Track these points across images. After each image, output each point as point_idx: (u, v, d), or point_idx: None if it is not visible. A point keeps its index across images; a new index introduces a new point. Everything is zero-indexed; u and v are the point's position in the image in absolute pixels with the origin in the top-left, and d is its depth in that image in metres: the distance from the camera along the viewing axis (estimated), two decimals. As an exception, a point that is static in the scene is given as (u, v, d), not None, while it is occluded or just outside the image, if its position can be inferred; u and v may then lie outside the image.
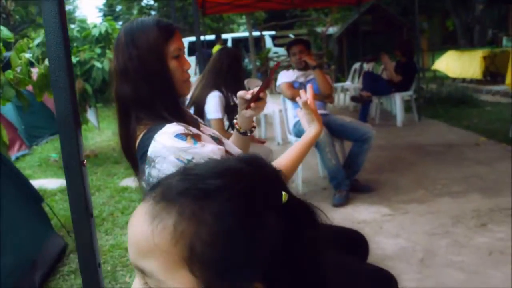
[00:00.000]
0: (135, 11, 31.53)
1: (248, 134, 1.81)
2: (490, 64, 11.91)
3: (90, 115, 7.17)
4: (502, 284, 2.68)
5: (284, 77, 4.69)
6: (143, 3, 31.86)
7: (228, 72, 3.45)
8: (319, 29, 17.80)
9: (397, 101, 7.77)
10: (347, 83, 10.56)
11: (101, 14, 42.79)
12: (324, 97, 4.53)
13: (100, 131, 8.93)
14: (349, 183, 4.34)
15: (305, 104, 1.65)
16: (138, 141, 1.57)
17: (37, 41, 6.41)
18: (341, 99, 10.46)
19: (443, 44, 20.91)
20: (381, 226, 3.67)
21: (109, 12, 41.59)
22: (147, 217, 0.65)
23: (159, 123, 1.51)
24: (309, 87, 1.71)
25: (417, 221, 3.71)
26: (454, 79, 13.45)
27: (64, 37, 1.59)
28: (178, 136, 1.44)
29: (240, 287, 0.64)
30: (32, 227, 3.52)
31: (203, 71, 3.84)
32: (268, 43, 17.77)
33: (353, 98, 8.53)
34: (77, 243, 1.78)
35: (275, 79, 5.04)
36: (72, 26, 7.10)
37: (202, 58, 6.71)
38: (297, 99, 1.69)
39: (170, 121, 1.51)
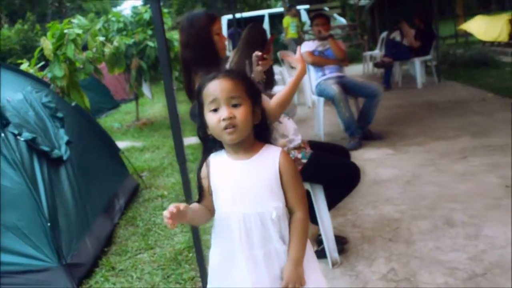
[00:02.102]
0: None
1: (261, 83, 2.80)
2: (516, 27, 12.38)
3: (145, 89, 8.28)
4: (465, 195, 3.59)
5: (306, 46, 5.64)
6: (182, -17, 32.43)
7: (255, 46, 4.37)
8: (352, 1, 18.41)
9: (416, 65, 8.57)
10: (376, 52, 11.33)
11: (142, -5, 44.08)
12: (339, 61, 5.48)
13: (154, 103, 10.10)
14: (362, 132, 5.30)
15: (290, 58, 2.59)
16: (196, 85, 2.59)
17: (98, 26, 7.51)
18: (370, 67, 11.24)
19: (481, 8, 21.12)
20: (383, 162, 4.63)
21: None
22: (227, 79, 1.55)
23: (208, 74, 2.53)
24: (298, 48, 2.63)
25: (412, 157, 4.64)
26: (484, 42, 13.96)
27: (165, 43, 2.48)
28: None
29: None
30: (114, 168, 4.65)
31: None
32: (304, 16, 18.47)
33: (376, 64, 9.40)
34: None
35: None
36: (127, 12, 8.19)
37: (238, 34, 7.68)
38: (289, 58, 2.64)
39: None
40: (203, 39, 2.55)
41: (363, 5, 17.89)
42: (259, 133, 1.64)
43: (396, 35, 10.39)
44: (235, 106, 1.54)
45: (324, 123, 5.84)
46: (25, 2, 25.75)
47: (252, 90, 1.61)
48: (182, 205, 1.54)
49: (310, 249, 1.72)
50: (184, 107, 10.27)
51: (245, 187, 1.59)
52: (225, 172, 1.63)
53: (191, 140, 6.48)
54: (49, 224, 3.01)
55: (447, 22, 17.59)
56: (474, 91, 7.64)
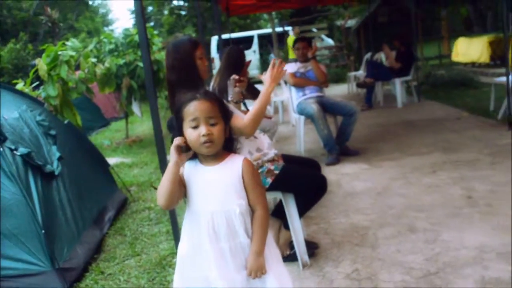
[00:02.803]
0: (165, 11, 32.78)
1: (238, 102, 3.10)
2: (497, 49, 12.86)
3: (135, 107, 8.56)
4: (429, 205, 3.88)
5: (289, 68, 5.96)
6: (173, 4, 32.87)
7: (233, 69, 4.58)
8: (339, 23, 18.90)
9: (397, 85, 8.93)
10: (359, 72, 11.72)
11: (133, 16, 44.58)
12: (320, 82, 5.81)
13: (143, 121, 10.38)
14: (339, 148, 5.60)
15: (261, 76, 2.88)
16: (176, 106, 2.88)
17: (90, 47, 7.81)
18: (354, 86, 11.60)
19: (464, 30, 21.71)
20: (358, 176, 4.92)
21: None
22: (206, 101, 1.85)
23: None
24: (277, 62, 2.89)
25: (386, 171, 4.94)
26: (465, 64, 14.43)
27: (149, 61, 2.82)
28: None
29: None
30: (104, 183, 4.91)
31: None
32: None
33: (358, 84, 9.77)
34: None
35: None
36: (118, 31, 8.51)
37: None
38: (261, 76, 2.91)
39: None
40: (186, 63, 2.84)
41: (349, 27, 18.37)
42: (226, 144, 1.93)
43: (380, 57, 10.82)
44: (212, 125, 1.84)
45: (304, 140, 6.15)
46: (18, 22, 26.10)
47: (224, 110, 1.92)
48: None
49: (272, 244, 1.99)
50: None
51: (214, 188, 1.88)
52: (197, 175, 1.91)
53: (178, 157, 6.75)
54: (43, 231, 3.26)
55: (432, 43, 18.12)
56: (451, 110, 7.99)
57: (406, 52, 9.12)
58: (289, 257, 3.16)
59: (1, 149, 3.45)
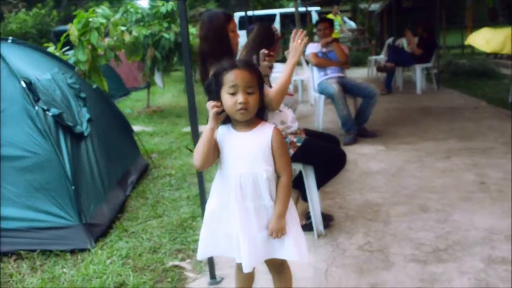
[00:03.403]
0: (188, -15, 32.65)
1: (267, 77, 3.23)
2: (521, 40, 12.74)
3: (157, 78, 8.70)
4: (442, 188, 4.01)
5: (311, 48, 6.07)
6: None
7: (262, 44, 4.72)
8: (362, 6, 18.81)
9: (417, 71, 8.98)
10: (380, 56, 11.74)
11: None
12: (341, 63, 5.90)
13: (164, 91, 10.54)
14: (358, 129, 5.72)
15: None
16: (210, 76, 3.01)
17: (118, 15, 7.93)
18: (374, 70, 11.63)
19: (489, 21, 21.44)
20: (374, 156, 5.05)
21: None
22: (247, 70, 1.99)
23: (221, 65, 2.95)
24: (299, 32, 3.01)
25: (401, 154, 5.06)
26: (488, 54, 14.34)
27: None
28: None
29: None
30: (127, 147, 5.09)
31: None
32: (314, 18, 18.87)
33: (378, 68, 9.82)
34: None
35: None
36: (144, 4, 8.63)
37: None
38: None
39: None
40: (220, 35, 2.97)
41: (373, 10, 18.28)
42: (258, 112, 2.07)
43: (402, 42, 10.82)
44: (249, 93, 1.97)
45: (323, 119, 6.28)
46: (42, -12, 26.22)
47: (260, 81, 2.05)
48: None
49: (293, 208, 2.14)
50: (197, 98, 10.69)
51: (244, 152, 2.02)
52: (229, 140, 2.05)
53: (200, 128, 6.91)
54: (73, 187, 3.45)
55: (455, 32, 17.98)
56: (469, 99, 8.05)
57: (429, 38, 9.13)
58: (305, 227, 3.30)
59: (36, 108, 3.61)
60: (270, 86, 3.54)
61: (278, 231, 2.02)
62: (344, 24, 18.46)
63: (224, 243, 2.09)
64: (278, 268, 2.23)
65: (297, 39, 2.95)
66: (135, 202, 4.23)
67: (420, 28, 9.18)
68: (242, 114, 1.97)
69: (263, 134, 2.04)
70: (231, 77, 1.97)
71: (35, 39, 17.16)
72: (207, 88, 2.08)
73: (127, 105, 10.06)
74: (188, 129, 7.10)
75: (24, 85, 3.68)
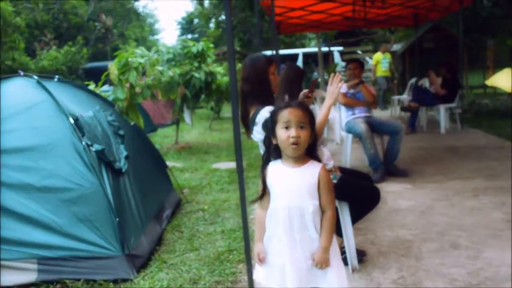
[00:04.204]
0: (212, 25, 33.41)
1: None
2: (544, 82, 12.82)
3: (186, 115, 8.96)
4: (471, 225, 4.09)
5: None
6: (220, 18, 33.41)
7: (292, 84, 4.89)
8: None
9: (441, 112, 9.10)
10: (403, 96, 11.89)
11: (179, 27, 45.57)
12: (368, 103, 6.08)
13: (193, 128, 10.79)
14: (388, 167, 5.85)
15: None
16: (250, 115, 3.19)
17: (151, 55, 8.24)
18: (397, 110, 11.78)
19: (510, 61, 21.54)
20: (402, 194, 5.15)
21: (186, 25, 44.26)
22: (300, 109, 2.21)
23: (262, 106, 3.13)
24: (336, 76, 3.18)
25: (428, 193, 5.15)
26: (510, 94, 14.40)
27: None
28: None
29: None
30: (162, 182, 5.27)
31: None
32: (336, 58, 19.19)
33: (402, 108, 9.97)
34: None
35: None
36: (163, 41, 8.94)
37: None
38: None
39: (267, 105, 3.12)
40: (261, 77, 3.16)
41: (394, 50, 18.53)
42: (309, 150, 2.24)
43: (425, 82, 10.97)
44: (301, 128, 2.16)
45: (350, 157, 6.41)
46: (72, 27, 27.18)
47: (311, 119, 2.24)
48: (263, 248, 2.26)
49: (335, 243, 2.28)
50: (218, 135, 10.89)
51: (293, 187, 2.20)
52: (280, 175, 2.24)
53: (228, 165, 7.11)
54: (117, 219, 3.62)
55: (477, 73, 18.13)
56: (493, 139, 8.12)
57: (452, 79, 9.29)
58: (339, 261, 3.42)
59: (83, 143, 3.83)
60: None
61: (323, 263, 2.17)
62: (366, 64, 18.72)
63: (269, 273, 2.26)
64: None
65: (334, 82, 3.12)
66: (171, 235, 4.38)
67: (443, 69, 9.36)
68: (294, 149, 2.16)
69: (311, 171, 2.21)
70: (285, 114, 2.18)
71: (65, 76, 17.74)
72: (264, 125, 2.29)
73: (156, 141, 10.31)
74: (216, 165, 7.29)
75: (72, 121, 3.91)
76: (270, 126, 2.25)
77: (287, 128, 2.17)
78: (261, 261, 2.27)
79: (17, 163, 3.69)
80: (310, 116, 2.22)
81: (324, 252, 2.18)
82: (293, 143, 2.14)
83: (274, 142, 2.25)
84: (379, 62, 13.87)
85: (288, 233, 2.18)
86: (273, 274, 2.24)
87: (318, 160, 2.29)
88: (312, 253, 2.19)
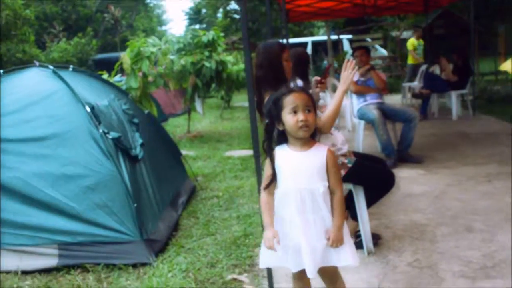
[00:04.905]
0: (219, 15, 33.35)
1: (317, 102, 3.44)
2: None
3: (197, 105, 9.01)
4: (485, 209, 4.12)
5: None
6: (228, 8, 33.28)
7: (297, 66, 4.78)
8: (393, 33, 18.99)
9: (452, 98, 9.08)
10: (414, 83, 11.85)
11: (187, 17, 45.49)
12: (379, 90, 6.09)
13: (204, 117, 10.85)
14: (401, 154, 5.87)
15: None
16: (265, 101, 3.22)
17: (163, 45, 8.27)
18: (408, 97, 11.75)
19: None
20: (415, 180, 5.18)
21: (194, 15, 44.18)
22: (304, 93, 2.25)
23: (275, 91, 3.16)
24: (350, 62, 3.19)
25: (442, 178, 5.18)
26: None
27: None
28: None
29: None
30: (176, 170, 5.33)
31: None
32: (346, 46, 19.11)
33: (414, 95, 9.96)
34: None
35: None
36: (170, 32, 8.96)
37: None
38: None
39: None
40: (274, 63, 3.19)
41: (404, 38, 18.43)
42: (312, 134, 2.30)
43: (436, 69, 10.94)
44: (308, 111, 2.20)
45: (363, 144, 6.43)
46: (81, 18, 27.25)
47: (314, 102, 2.30)
48: (274, 231, 2.25)
49: (345, 225, 2.33)
50: (230, 124, 10.94)
51: (302, 170, 2.25)
52: (288, 159, 2.29)
53: (241, 152, 7.16)
54: (135, 205, 3.68)
55: (488, 59, 18.01)
56: (505, 125, 8.10)
57: (464, 65, 9.26)
58: (355, 245, 3.44)
59: (100, 130, 3.88)
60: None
61: (337, 241, 2.23)
62: (375, 52, 18.64)
63: (281, 254, 2.29)
64: (333, 277, 2.42)
65: (348, 68, 3.14)
66: (188, 221, 4.44)
67: (454, 55, 9.33)
68: (304, 131, 2.21)
69: (319, 154, 2.27)
70: (291, 99, 2.23)
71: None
72: (268, 113, 2.32)
73: (167, 130, 10.31)
74: (229, 153, 7.34)
75: (88, 109, 3.96)
76: (274, 112, 2.28)
77: (295, 112, 2.21)
78: (277, 243, 2.27)
79: (36, 151, 3.77)
80: (312, 99, 2.28)
81: (338, 231, 2.24)
82: (302, 126, 2.19)
83: (280, 128, 2.28)
84: (415, 48, 13.14)
85: (302, 214, 2.23)
86: (287, 257, 2.28)
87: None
88: (326, 232, 2.24)
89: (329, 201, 2.26)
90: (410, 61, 13.12)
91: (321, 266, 2.26)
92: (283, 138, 2.32)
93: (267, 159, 2.35)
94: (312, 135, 2.31)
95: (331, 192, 2.28)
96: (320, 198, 2.23)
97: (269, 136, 2.35)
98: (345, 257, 2.27)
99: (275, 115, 2.29)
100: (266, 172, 2.36)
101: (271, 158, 2.33)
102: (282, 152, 2.31)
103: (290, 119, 2.22)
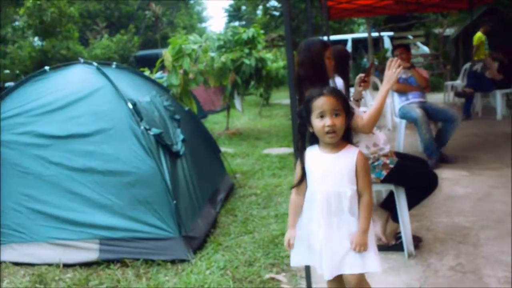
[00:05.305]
0: (259, 12, 33.30)
1: (359, 100, 3.40)
2: None
3: (237, 102, 9.03)
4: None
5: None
6: (268, 5, 33.17)
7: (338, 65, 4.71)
8: (436, 30, 18.59)
9: (497, 97, 8.83)
10: (457, 82, 11.59)
11: (227, 14, 45.66)
12: (421, 88, 5.97)
13: (243, 114, 10.88)
14: (439, 153, 5.74)
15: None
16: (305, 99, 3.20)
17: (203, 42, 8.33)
18: (451, 96, 11.50)
19: None
20: (458, 181, 5.06)
21: (234, 12, 44.31)
22: (333, 96, 2.21)
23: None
24: (394, 61, 3.14)
25: (485, 180, 5.04)
26: None
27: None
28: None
29: None
30: (216, 166, 5.36)
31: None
32: (387, 43, 18.83)
33: (456, 94, 9.73)
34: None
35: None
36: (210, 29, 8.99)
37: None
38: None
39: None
40: (316, 61, 3.16)
41: (447, 35, 18.04)
42: (345, 135, 2.26)
43: (479, 67, 10.66)
44: (336, 115, 2.17)
45: (404, 143, 6.32)
46: (123, 15, 27.72)
47: (346, 105, 2.25)
48: (293, 233, 2.31)
49: (372, 230, 2.28)
50: (268, 121, 10.93)
51: (330, 172, 2.23)
52: (317, 161, 2.27)
53: (279, 150, 7.15)
54: (174, 201, 3.71)
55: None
56: (553, 125, 7.82)
57: (510, 63, 8.98)
58: (395, 247, 3.42)
59: (142, 127, 3.93)
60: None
61: (361, 245, 2.19)
62: (417, 49, 18.30)
63: (309, 254, 2.30)
64: (358, 285, 2.28)
65: (392, 67, 3.09)
66: (226, 219, 4.46)
67: (501, 53, 9.06)
68: (330, 138, 2.19)
69: (349, 156, 2.23)
70: (318, 103, 2.19)
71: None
72: (299, 114, 2.30)
73: (207, 127, 10.43)
74: (267, 151, 7.34)
75: (130, 106, 4.02)
76: (305, 114, 2.26)
77: (322, 117, 2.18)
78: (290, 247, 2.31)
79: (81, 148, 3.86)
80: (344, 102, 2.23)
81: (363, 235, 2.20)
82: (329, 132, 2.16)
83: (310, 130, 2.26)
84: (483, 44, 12.33)
85: (326, 217, 2.21)
86: (313, 257, 2.27)
87: (353, 144, 2.32)
88: (350, 235, 2.21)
89: (356, 205, 2.24)
90: (481, 55, 11.78)
91: (342, 269, 2.22)
92: (315, 139, 2.31)
93: (298, 160, 2.34)
94: (346, 137, 2.28)
95: (359, 195, 2.24)
96: (346, 201, 2.20)
97: (301, 136, 2.35)
98: (370, 263, 2.22)
99: (305, 117, 2.28)
100: (297, 172, 2.35)
101: (301, 159, 2.32)
102: (312, 154, 2.30)
103: (317, 123, 2.20)
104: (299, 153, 2.35)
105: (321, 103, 2.19)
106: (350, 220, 2.21)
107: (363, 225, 2.21)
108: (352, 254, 2.20)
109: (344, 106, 2.22)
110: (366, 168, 2.25)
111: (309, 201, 2.29)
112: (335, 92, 2.26)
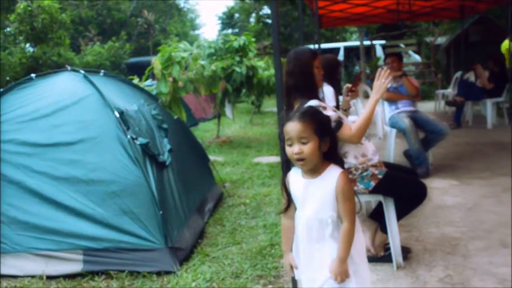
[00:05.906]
0: (252, 20, 33.36)
1: (347, 110, 3.36)
2: None
3: (227, 110, 8.98)
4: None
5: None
6: (261, 13, 33.21)
7: (327, 73, 4.67)
8: (428, 39, 18.65)
9: (488, 106, 8.84)
10: (448, 90, 11.61)
11: (220, 22, 45.70)
12: (411, 97, 5.95)
13: (234, 122, 10.83)
14: (428, 162, 5.73)
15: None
16: (294, 108, 3.16)
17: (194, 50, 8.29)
18: (441, 104, 11.51)
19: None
20: (447, 191, 5.03)
21: (227, 20, 44.37)
22: (299, 122, 2.10)
23: (306, 100, 3.09)
24: (384, 71, 3.11)
25: (475, 189, 5.02)
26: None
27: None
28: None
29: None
30: (204, 176, 5.30)
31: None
32: (379, 52, 18.87)
33: (448, 102, 9.74)
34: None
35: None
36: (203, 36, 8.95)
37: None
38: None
39: (312, 99, 3.09)
40: (305, 70, 3.12)
41: (439, 44, 18.11)
42: (328, 155, 2.15)
43: (470, 76, 10.68)
44: (304, 143, 2.07)
45: (394, 153, 6.29)
46: (115, 22, 27.66)
47: (319, 127, 2.11)
48: (292, 256, 2.27)
49: (363, 255, 2.23)
50: (260, 129, 10.88)
51: (310, 199, 2.14)
52: (298, 186, 2.19)
53: (269, 159, 7.11)
54: (161, 212, 3.66)
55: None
56: (543, 134, 7.83)
57: (500, 73, 9.00)
58: (383, 258, 3.37)
59: (128, 136, 3.88)
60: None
61: (339, 275, 2.09)
62: (408, 58, 18.34)
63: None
64: None
65: (381, 77, 3.06)
66: (213, 229, 4.40)
67: (491, 62, 9.09)
68: (300, 165, 2.11)
69: (329, 180, 2.11)
70: (286, 130, 2.11)
71: (108, 71, 18.06)
72: (279, 137, 2.25)
73: (197, 135, 10.36)
74: (257, 159, 7.29)
75: (117, 115, 3.97)
76: (282, 138, 2.18)
77: (290, 145, 2.11)
78: (295, 268, 2.26)
79: (65, 156, 3.80)
80: (316, 124, 2.10)
81: (341, 264, 2.09)
82: (298, 159, 2.08)
83: None
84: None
85: (306, 243, 2.16)
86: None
87: (341, 161, 2.21)
88: (332, 263, 2.12)
89: (338, 231, 2.13)
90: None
91: None
92: None
93: (282, 185, 2.27)
94: (330, 155, 2.16)
95: (341, 221, 2.13)
96: (327, 228, 2.11)
97: (286, 158, 2.20)
98: None
99: (283, 141, 2.19)
100: (283, 197, 2.28)
101: (284, 184, 2.25)
102: (294, 177, 2.22)
103: (288, 150, 2.11)
104: (283, 177, 2.28)
105: (288, 129, 2.10)
106: (332, 246, 2.12)
107: (341, 253, 2.09)
108: (331, 282, 2.12)
109: (315, 130, 2.08)
110: (346, 193, 2.10)
111: (296, 224, 2.23)
112: (305, 116, 2.10)
